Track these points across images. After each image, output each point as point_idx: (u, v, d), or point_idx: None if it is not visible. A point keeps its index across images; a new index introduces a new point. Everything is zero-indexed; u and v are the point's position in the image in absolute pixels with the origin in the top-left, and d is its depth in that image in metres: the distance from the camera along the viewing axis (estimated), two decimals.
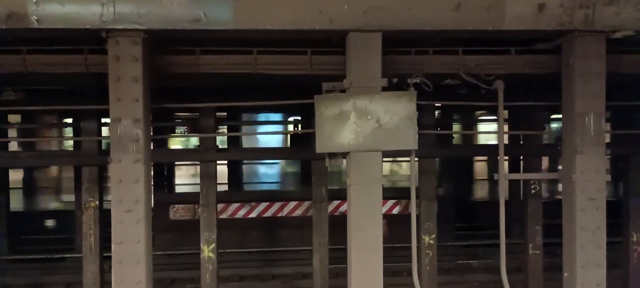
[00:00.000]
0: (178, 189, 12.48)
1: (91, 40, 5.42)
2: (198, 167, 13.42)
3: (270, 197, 10.75)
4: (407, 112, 5.10)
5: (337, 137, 5.12)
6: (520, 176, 7.49)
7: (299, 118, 12.25)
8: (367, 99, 5.08)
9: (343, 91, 5.21)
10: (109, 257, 5.17)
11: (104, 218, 8.23)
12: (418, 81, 5.47)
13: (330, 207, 8.84)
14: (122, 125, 4.96)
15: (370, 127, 5.08)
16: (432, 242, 7.62)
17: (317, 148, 5.20)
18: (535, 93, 6.83)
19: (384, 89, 5.10)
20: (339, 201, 10.31)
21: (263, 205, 10.62)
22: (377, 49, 5.03)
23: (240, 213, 10.60)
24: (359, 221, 5.07)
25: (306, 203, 10.45)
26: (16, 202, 11.24)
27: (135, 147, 4.98)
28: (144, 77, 5.01)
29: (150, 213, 5.21)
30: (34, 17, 4.73)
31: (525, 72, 5.45)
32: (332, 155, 5.33)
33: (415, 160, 5.70)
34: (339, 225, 8.40)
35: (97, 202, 8.04)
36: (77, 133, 9.69)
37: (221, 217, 9.02)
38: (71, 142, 11.39)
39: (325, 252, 7.96)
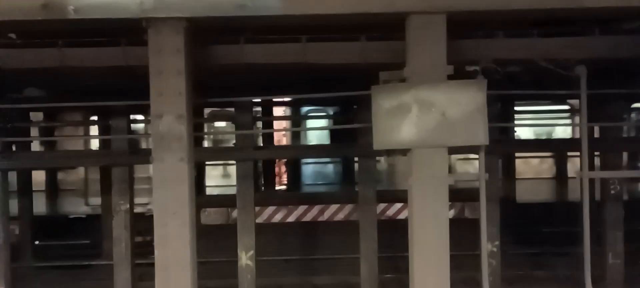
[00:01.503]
0: (209, 191, 12.71)
1: (126, 31, 5.58)
2: (228, 167, 13.77)
3: (309, 199, 10.83)
4: (476, 103, 5.07)
5: (397, 132, 5.12)
6: (604, 174, 7.32)
7: (334, 112, 12.41)
8: (431, 89, 5.06)
9: (402, 81, 5.20)
10: (140, 264, 5.31)
11: (136, 222, 8.53)
12: (477, 69, 5.42)
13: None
14: (165, 121, 5.08)
15: (434, 121, 5.06)
16: (495, 249, 7.55)
17: (374, 144, 5.22)
18: (611, 79, 6.67)
19: (450, 78, 5.07)
20: (386, 203, 10.31)
21: (302, 208, 10.71)
22: (441, 32, 5.01)
23: (278, 218, 10.71)
24: (422, 226, 5.06)
25: (349, 206, 10.49)
26: (40, 206, 11.63)
27: (179, 145, 5.09)
28: (187, 69, 5.11)
29: (194, 215, 5.33)
30: (71, 6, 4.89)
31: (611, 56, 5.34)
32: (391, 152, 5.34)
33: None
34: (387, 231, 8.42)
35: (128, 205, 8.28)
36: (103, 132, 9.95)
37: (256, 221, 9.12)
38: (96, 142, 11.74)
39: (374, 259, 7.97)
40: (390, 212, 10.54)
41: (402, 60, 5.25)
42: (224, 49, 5.59)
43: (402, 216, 10.46)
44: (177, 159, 5.11)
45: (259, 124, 11.25)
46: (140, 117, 10.24)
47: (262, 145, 10.46)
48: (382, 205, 10.18)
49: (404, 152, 5.25)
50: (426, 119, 5.06)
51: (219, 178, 14.36)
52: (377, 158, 8.30)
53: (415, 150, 5.10)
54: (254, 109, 9.14)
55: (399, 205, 10.59)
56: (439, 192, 5.06)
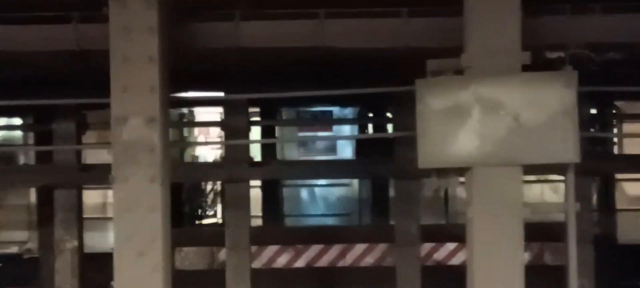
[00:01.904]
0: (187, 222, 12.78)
1: (79, 3, 5.70)
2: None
3: (326, 236, 10.86)
4: (562, 105, 5.06)
5: (452, 144, 5.14)
6: None
7: (360, 116, 12.39)
8: (499, 84, 5.08)
9: (459, 72, 5.23)
10: None
11: (86, 264, 8.61)
12: (563, 56, 5.43)
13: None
14: (131, 126, 5.17)
15: (503, 128, 5.07)
16: None
17: (420, 161, 5.25)
18: None
19: (525, 69, 5.09)
20: (433, 243, 10.31)
21: (315, 248, 10.73)
22: (515, 4, 5.04)
23: (281, 261, 10.75)
24: (487, 275, 5.07)
25: (381, 246, 10.50)
26: None
27: (150, 159, 5.17)
28: (162, 55, 5.20)
29: (169, 256, 5.40)
30: None
31: None
32: (442, 172, 5.36)
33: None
34: (435, 281, 8.42)
35: (76, 242, 8.39)
36: (43, 140, 10.08)
37: (252, 266, 9.17)
38: (32, 154, 11.88)
39: None
40: (440, 254, 10.52)
41: (458, 43, 5.28)
42: (213, 27, 5.69)
43: (455, 261, 10.43)
44: (147, 178, 5.18)
45: (256, 131, 11.35)
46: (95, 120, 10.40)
47: (260, 160, 10.51)
48: (427, 246, 10.17)
49: (461, 171, 5.26)
50: (492, 125, 5.07)
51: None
52: (422, 179, 8.31)
53: (478, 170, 5.11)
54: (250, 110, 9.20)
55: (451, 246, 10.57)
56: (511, 228, 5.05)
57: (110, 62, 5.17)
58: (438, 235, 10.19)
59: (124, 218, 5.20)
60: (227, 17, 5.75)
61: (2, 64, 6.45)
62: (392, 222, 9.51)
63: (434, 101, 5.21)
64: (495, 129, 5.08)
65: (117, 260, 5.21)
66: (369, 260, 10.71)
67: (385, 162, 8.52)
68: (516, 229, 5.07)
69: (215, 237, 10.14)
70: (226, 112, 8.25)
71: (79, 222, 8.44)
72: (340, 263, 10.78)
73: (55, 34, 5.74)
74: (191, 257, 10.93)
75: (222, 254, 10.80)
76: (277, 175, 9.73)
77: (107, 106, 5.30)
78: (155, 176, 5.20)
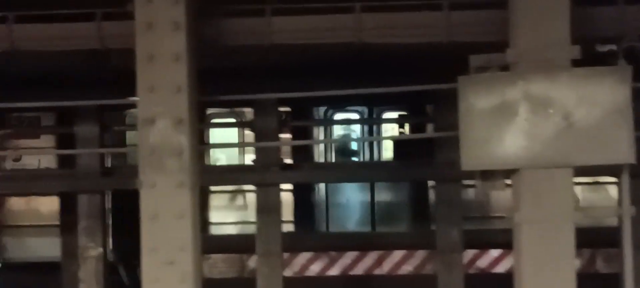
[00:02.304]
0: (214, 230, 12.82)
1: (106, 1, 5.76)
2: (241, 196, 13.89)
3: (361, 243, 10.84)
4: (616, 102, 5.00)
5: (497, 144, 5.11)
6: None
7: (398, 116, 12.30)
8: (548, 81, 5.04)
9: (505, 68, 5.20)
10: None
11: (110, 273, 8.72)
12: (617, 50, 5.38)
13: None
14: (158, 128, 5.22)
15: (552, 128, 5.03)
16: None
17: (463, 162, 5.22)
18: None
19: (575, 64, 5.05)
20: (475, 250, 10.25)
21: (350, 255, 10.73)
22: None
23: (315, 269, 10.76)
24: (537, 282, 5.03)
25: (421, 253, 10.46)
26: None
27: (178, 163, 5.21)
28: (189, 54, 5.24)
29: (200, 266, 5.43)
30: None
31: None
32: (487, 175, 5.32)
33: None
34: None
35: (101, 249, 8.49)
36: (66, 143, 10.23)
37: (284, 273, 9.19)
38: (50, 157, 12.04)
39: None
40: (483, 262, 10.45)
41: (502, 37, 5.25)
42: (242, 23, 5.72)
43: (500, 268, 10.37)
44: (175, 184, 5.22)
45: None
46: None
47: (291, 162, 10.54)
48: (469, 252, 10.10)
49: (508, 174, 5.23)
50: (541, 124, 5.03)
51: (228, 211, 14.49)
52: (465, 182, 8.28)
53: (525, 172, 5.08)
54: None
55: (495, 253, 10.50)
56: (561, 234, 5.02)
57: (136, 61, 5.22)
58: (481, 241, 10.11)
59: (151, 226, 5.25)
60: (257, 13, 5.76)
61: (25, 63, 6.52)
62: (432, 227, 9.44)
63: (478, 99, 5.18)
64: (544, 129, 5.04)
65: (145, 269, 5.26)
66: (407, 268, 10.68)
67: (426, 164, 8.47)
68: (567, 235, 5.03)
69: (245, 243, 10.20)
70: (256, 113, 8.27)
71: (103, 228, 8.52)
72: (377, 271, 10.76)
73: (78, 32, 5.81)
74: (220, 265, 11.00)
75: (252, 261, 10.93)
76: (310, 178, 9.73)
77: (130, 107, 5.35)
78: (184, 181, 5.23)
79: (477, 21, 5.66)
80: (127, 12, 5.47)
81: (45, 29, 5.81)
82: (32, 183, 9.09)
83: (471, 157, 5.21)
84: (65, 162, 9.62)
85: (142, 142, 5.26)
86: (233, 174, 8.92)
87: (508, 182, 5.28)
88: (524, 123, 5.06)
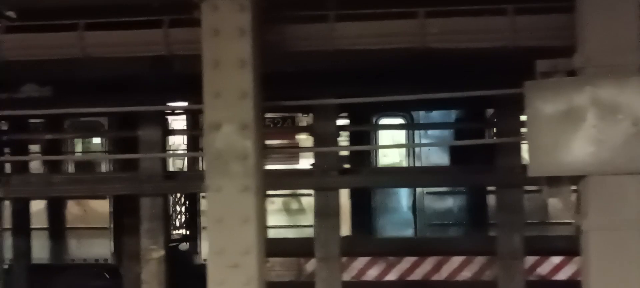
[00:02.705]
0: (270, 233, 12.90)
1: (169, 7, 5.86)
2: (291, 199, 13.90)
3: (420, 248, 10.78)
4: None
5: (564, 151, 5.04)
6: None
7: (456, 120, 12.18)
8: (616, 86, 4.95)
9: (571, 74, 5.14)
10: None
11: (171, 275, 8.82)
12: None
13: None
14: (224, 134, 5.28)
15: (622, 134, 4.95)
16: None
17: (530, 168, 5.17)
18: None
19: None
20: (536, 257, 10.11)
21: (408, 261, 10.67)
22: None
23: (372, 274, 10.74)
24: None
25: (480, 260, 10.36)
26: (39, 250, 12.30)
27: (243, 167, 5.26)
28: (254, 59, 5.30)
29: (264, 269, 5.47)
30: None
31: None
32: (553, 181, 5.26)
33: None
34: None
35: (163, 251, 8.61)
36: (128, 147, 10.42)
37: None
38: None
39: None
40: (544, 268, 10.29)
41: (569, 42, 5.18)
42: (306, 29, 5.75)
43: (562, 275, 10.20)
44: (240, 188, 5.27)
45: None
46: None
47: (349, 166, 10.55)
48: (530, 259, 9.96)
49: (574, 180, 5.16)
50: (609, 130, 4.95)
51: (280, 214, 14.52)
52: (527, 188, 8.18)
53: (593, 179, 5.00)
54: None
55: (556, 260, 10.34)
56: (631, 242, 4.92)
57: (200, 67, 5.29)
58: (542, 247, 9.96)
59: (216, 229, 5.30)
60: (320, 19, 5.78)
61: (93, 69, 6.67)
62: (490, 233, 9.35)
63: (545, 105, 5.12)
64: (613, 135, 4.96)
65: (210, 272, 5.32)
66: (466, 274, 10.57)
67: (485, 170, 8.39)
68: (637, 242, 4.93)
69: (302, 247, 10.24)
70: (315, 118, 8.30)
71: (166, 230, 8.63)
72: (435, 277, 10.68)
73: (146, 39, 5.90)
74: (277, 268, 11.06)
75: (310, 265, 10.96)
76: (368, 183, 9.72)
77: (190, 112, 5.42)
78: (249, 185, 5.28)
79: (543, 26, 5.60)
80: (193, 18, 5.57)
81: (115, 36, 5.92)
82: (95, 186, 9.26)
83: (538, 163, 5.15)
84: (128, 165, 9.77)
85: (208, 147, 5.33)
86: (292, 178, 8.95)
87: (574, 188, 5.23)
88: (592, 129, 4.99)
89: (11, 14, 6.31)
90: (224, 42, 5.25)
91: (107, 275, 12.87)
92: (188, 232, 14.45)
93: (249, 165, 5.28)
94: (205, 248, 12.77)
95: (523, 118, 8.57)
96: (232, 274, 5.28)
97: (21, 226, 11.22)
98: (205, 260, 12.89)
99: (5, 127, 9.97)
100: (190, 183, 9.22)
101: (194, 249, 13.63)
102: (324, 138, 8.24)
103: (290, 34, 5.78)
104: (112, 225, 12.41)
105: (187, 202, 14.94)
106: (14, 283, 10.83)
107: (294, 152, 11.97)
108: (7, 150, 9.62)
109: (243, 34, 5.24)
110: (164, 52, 5.87)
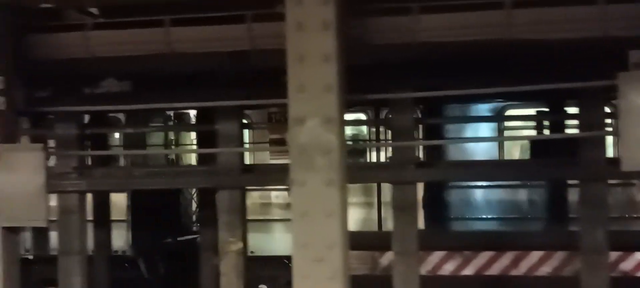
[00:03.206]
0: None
1: (252, 2, 5.87)
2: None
3: (497, 242, 10.58)
4: None
5: None
6: None
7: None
8: None
9: None
10: None
11: (249, 267, 8.87)
12: None
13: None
14: (308, 128, 5.26)
15: None
16: None
17: (623, 162, 5.02)
18: None
19: None
20: (619, 252, 9.81)
21: (485, 255, 10.48)
22: None
23: (448, 268, 10.59)
24: None
25: (560, 255, 10.11)
26: (118, 239, 12.59)
27: (327, 161, 5.24)
28: (338, 53, 5.25)
29: (348, 263, 5.45)
30: None
31: None
32: None
33: None
34: None
35: (241, 244, 8.64)
36: (204, 140, 10.55)
37: None
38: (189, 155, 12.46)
39: None
40: (628, 264, 9.98)
41: None
42: (389, 22, 5.69)
43: None
44: (324, 182, 5.25)
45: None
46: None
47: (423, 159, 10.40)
48: (613, 255, 9.67)
49: None
50: None
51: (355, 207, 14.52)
52: (611, 182, 7.95)
53: None
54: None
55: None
56: None
57: (286, 62, 5.28)
58: (626, 242, 9.66)
59: (301, 223, 5.29)
60: (403, 11, 5.71)
61: (176, 64, 6.74)
62: (571, 228, 9.11)
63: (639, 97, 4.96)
64: None
65: (295, 266, 5.32)
66: (545, 270, 10.32)
67: (567, 163, 8.15)
68: None
69: (377, 240, 10.18)
70: (392, 111, 8.21)
71: (243, 223, 8.67)
72: (514, 272, 10.46)
73: (230, 33, 5.93)
74: (352, 261, 11.00)
75: (384, 259, 10.88)
76: (445, 176, 9.57)
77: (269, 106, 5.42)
78: (333, 179, 5.24)
79: (635, 14, 5.39)
80: (275, 13, 5.58)
81: (200, 32, 5.97)
82: (175, 179, 9.37)
83: (631, 157, 5.00)
84: (206, 158, 9.86)
85: (293, 141, 5.31)
86: (369, 172, 8.89)
87: None
88: None
89: (94, 10, 6.43)
90: (308, 36, 5.22)
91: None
92: None
93: (333, 159, 5.25)
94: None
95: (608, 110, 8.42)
96: (316, 268, 5.27)
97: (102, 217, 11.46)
98: None
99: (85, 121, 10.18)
100: (268, 176, 9.25)
101: None
102: (401, 131, 8.14)
103: (373, 27, 5.73)
104: (130, 218, 12.62)
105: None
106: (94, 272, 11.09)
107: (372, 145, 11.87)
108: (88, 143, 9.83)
109: (327, 28, 5.20)
110: (247, 47, 5.90)
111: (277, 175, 9.21)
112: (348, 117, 9.91)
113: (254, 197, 12.00)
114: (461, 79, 8.04)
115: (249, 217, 9.91)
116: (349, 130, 12.14)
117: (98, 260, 11.30)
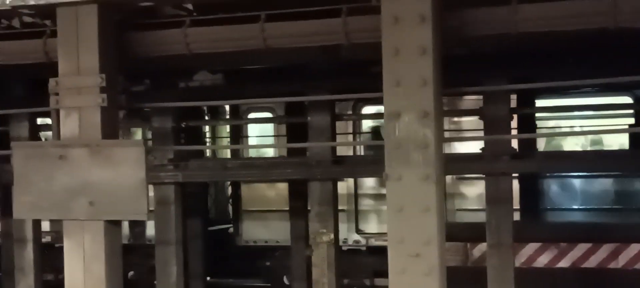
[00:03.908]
0: None
1: None
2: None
3: (594, 234, 10.27)
4: None
5: None
6: None
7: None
8: None
9: None
10: None
11: (340, 259, 8.87)
12: None
13: None
14: (404, 123, 5.19)
15: None
16: None
17: None
18: None
19: None
20: None
21: (581, 247, 10.19)
22: None
23: (542, 260, 10.35)
24: None
25: None
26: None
27: (424, 156, 5.16)
28: (435, 47, 5.17)
29: (444, 260, 5.36)
30: None
31: None
32: None
33: None
34: None
35: (332, 236, 8.65)
36: (295, 133, 10.59)
37: None
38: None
39: None
40: None
41: None
42: (487, 13, 5.52)
43: None
44: (421, 177, 5.18)
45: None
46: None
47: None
48: None
49: None
50: None
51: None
52: None
53: None
54: None
55: None
56: None
57: (382, 55, 5.22)
58: None
59: (397, 219, 5.25)
60: (499, 2, 5.54)
61: (262, 58, 6.76)
62: None
63: None
64: None
65: (391, 261, 5.28)
66: None
67: None
68: None
69: (469, 232, 10.02)
70: (485, 101, 8.03)
71: (335, 215, 8.67)
72: (612, 265, 10.13)
73: (324, 28, 5.89)
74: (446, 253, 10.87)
75: (477, 250, 10.71)
76: (542, 169, 9.33)
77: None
78: (430, 174, 5.18)
79: None
80: (369, 6, 5.51)
81: (294, 27, 5.93)
82: (268, 170, 9.43)
83: None
84: (297, 150, 9.92)
85: (388, 136, 5.26)
86: (462, 163, 8.71)
87: None
88: None
89: (189, 6, 6.49)
90: (404, 30, 5.16)
91: None
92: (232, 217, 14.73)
93: (429, 154, 5.18)
94: (245, 232, 13.63)
95: None
96: (413, 264, 5.22)
97: None
98: (245, 241, 13.69)
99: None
100: (359, 168, 9.23)
101: (236, 232, 14.00)
102: (495, 122, 7.95)
103: (471, 19, 5.58)
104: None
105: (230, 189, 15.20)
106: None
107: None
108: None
109: (424, 21, 5.12)
110: (342, 41, 5.84)
111: (367, 167, 9.23)
112: None
113: None
114: (557, 69, 7.84)
115: None
116: None
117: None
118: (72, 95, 5.84)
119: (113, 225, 5.96)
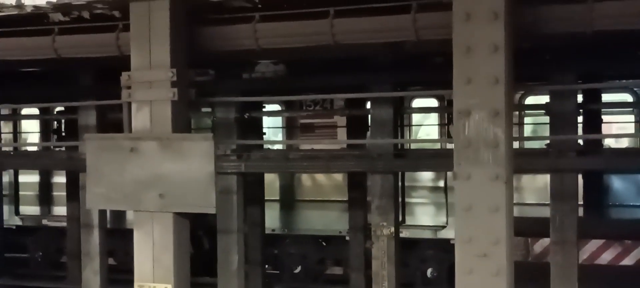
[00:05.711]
0: None
1: None
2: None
3: None
4: None
5: None
6: None
7: None
8: None
9: None
10: None
11: (401, 251, 8.80)
12: None
13: None
14: (474, 121, 5.09)
15: None
16: None
17: None
18: None
19: None
20: None
21: None
22: None
23: (606, 258, 10.14)
24: None
25: None
26: (272, 220, 12.80)
27: (494, 156, 5.06)
28: (507, 44, 5.05)
29: (513, 261, 5.26)
30: None
31: None
32: None
33: None
34: None
35: (392, 228, 8.59)
36: (356, 126, 10.57)
37: None
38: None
39: None
40: None
41: None
42: (561, 10, 5.38)
43: None
44: (490, 176, 5.09)
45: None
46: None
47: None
48: None
49: None
50: None
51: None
52: None
53: None
54: None
55: None
56: None
57: (453, 52, 5.13)
58: None
59: (465, 218, 5.17)
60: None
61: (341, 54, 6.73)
62: None
63: None
64: None
65: (458, 261, 5.20)
66: None
67: None
68: None
69: (531, 227, 9.84)
70: (552, 97, 7.87)
71: (396, 208, 8.61)
72: None
73: (394, 24, 5.83)
74: None
75: (538, 246, 10.54)
76: (607, 165, 9.04)
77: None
78: (499, 174, 5.08)
79: None
80: (441, 3, 5.43)
81: (363, 23, 5.90)
82: (329, 163, 9.39)
83: None
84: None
85: (458, 134, 5.17)
86: (527, 160, 8.53)
87: None
88: None
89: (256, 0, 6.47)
90: (476, 27, 5.06)
91: None
92: None
93: (499, 153, 5.08)
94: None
95: None
96: (481, 264, 5.13)
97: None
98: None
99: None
100: (420, 161, 9.13)
101: None
102: (562, 118, 7.77)
103: (545, 15, 5.45)
104: None
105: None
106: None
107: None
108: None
109: (497, 18, 5.01)
110: (412, 38, 5.77)
111: (429, 161, 9.12)
112: None
113: None
114: (626, 65, 7.64)
115: None
116: None
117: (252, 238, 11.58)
118: (144, 89, 5.90)
119: (182, 217, 6.01)
